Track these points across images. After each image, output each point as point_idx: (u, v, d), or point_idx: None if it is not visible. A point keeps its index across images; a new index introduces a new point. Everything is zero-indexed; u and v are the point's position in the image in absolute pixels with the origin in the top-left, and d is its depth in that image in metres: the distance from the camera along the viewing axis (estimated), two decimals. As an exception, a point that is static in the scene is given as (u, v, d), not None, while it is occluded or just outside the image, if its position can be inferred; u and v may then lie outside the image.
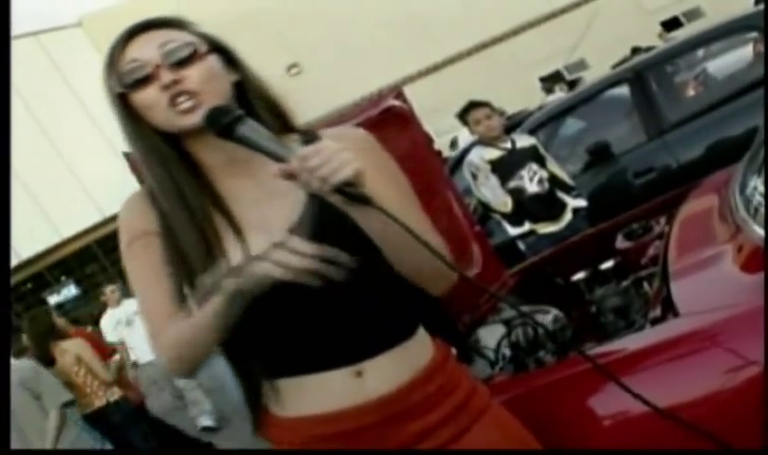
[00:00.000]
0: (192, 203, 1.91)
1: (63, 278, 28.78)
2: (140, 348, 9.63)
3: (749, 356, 2.18)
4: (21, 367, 7.07)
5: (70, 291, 28.41)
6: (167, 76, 1.86)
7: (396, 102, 3.96)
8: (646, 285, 3.47)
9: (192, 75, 1.88)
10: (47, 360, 7.38)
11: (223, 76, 1.94)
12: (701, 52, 8.71)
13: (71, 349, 7.58)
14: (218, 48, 1.98)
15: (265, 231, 1.87)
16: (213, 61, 1.94)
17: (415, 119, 4.13)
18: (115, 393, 7.68)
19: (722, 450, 2.05)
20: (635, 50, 17.96)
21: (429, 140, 5.12)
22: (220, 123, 1.80)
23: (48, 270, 28.42)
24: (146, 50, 1.89)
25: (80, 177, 24.86)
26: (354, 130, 2.13)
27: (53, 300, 27.69)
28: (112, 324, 10.32)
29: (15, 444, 6.76)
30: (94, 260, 27.39)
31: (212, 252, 1.87)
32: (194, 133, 1.90)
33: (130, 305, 9.92)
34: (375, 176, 1.77)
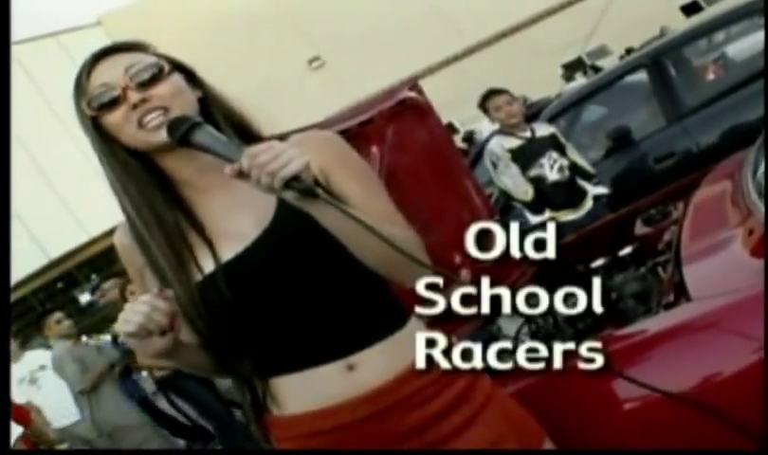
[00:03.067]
0: (165, 221, 1.97)
1: (93, 276, 28.92)
2: (53, 409, 8.03)
3: (758, 340, 2.19)
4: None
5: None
6: (135, 96, 1.93)
7: (412, 94, 3.99)
8: (661, 271, 3.48)
9: (158, 93, 1.94)
10: None
11: (188, 92, 2.00)
12: (720, 35, 8.67)
13: None
14: (180, 68, 2.04)
15: (238, 240, 1.95)
16: (177, 78, 2.00)
17: (432, 111, 4.15)
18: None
19: (723, 450, 2.08)
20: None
21: (450, 131, 5.14)
22: (178, 132, 1.87)
23: (78, 269, 28.60)
24: (113, 74, 1.96)
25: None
26: (319, 132, 2.16)
27: (84, 298, 27.84)
28: (15, 383, 8.00)
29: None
30: (123, 258, 27.48)
31: (185, 269, 1.94)
32: (164, 149, 1.95)
33: (33, 359, 8.46)
34: (340, 174, 1.84)
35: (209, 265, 1.94)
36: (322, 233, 1.86)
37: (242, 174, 1.74)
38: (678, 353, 2.33)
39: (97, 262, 28.52)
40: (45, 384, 7.92)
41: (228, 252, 1.94)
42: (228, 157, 1.78)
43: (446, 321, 2.11)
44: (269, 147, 1.73)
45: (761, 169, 2.77)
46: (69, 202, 26.64)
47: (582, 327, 3.41)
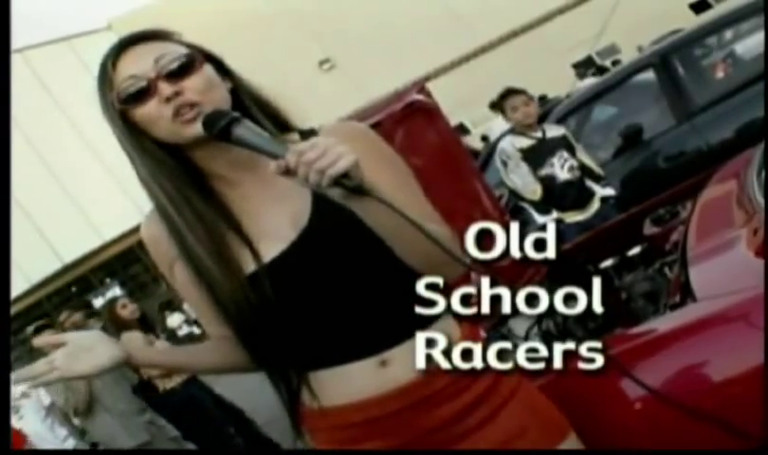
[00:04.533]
0: (206, 217, 1.93)
1: (107, 280, 29.01)
2: (36, 437, 7.52)
3: (762, 340, 2.18)
4: None
5: (115, 293, 28.59)
6: (167, 89, 1.88)
7: (420, 97, 4.02)
8: (668, 271, 3.50)
9: (191, 86, 1.89)
10: None
11: (219, 84, 1.96)
12: (729, 33, 8.67)
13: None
14: (209, 58, 1.98)
15: (277, 240, 1.93)
16: (209, 70, 1.95)
17: (440, 113, 4.18)
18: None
19: (723, 450, 2.09)
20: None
21: (459, 132, 5.17)
22: (216, 127, 1.82)
23: (92, 273, 28.69)
24: (142, 65, 1.91)
25: (119, 179, 24.96)
26: (351, 123, 2.13)
27: (98, 302, 27.91)
28: None
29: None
30: (137, 261, 27.55)
31: (229, 267, 1.91)
32: (198, 142, 1.91)
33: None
34: (374, 168, 1.77)
35: (249, 264, 1.92)
36: (360, 231, 1.84)
37: (288, 172, 1.70)
38: (682, 353, 2.35)
39: (111, 265, 28.66)
40: (27, 413, 7.70)
41: (268, 253, 1.92)
42: (272, 154, 1.73)
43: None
44: (315, 144, 1.69)
45: (766, 169, 2.79)
46: (83, 206, 26.70)
47: (593, 327, 3.42)
